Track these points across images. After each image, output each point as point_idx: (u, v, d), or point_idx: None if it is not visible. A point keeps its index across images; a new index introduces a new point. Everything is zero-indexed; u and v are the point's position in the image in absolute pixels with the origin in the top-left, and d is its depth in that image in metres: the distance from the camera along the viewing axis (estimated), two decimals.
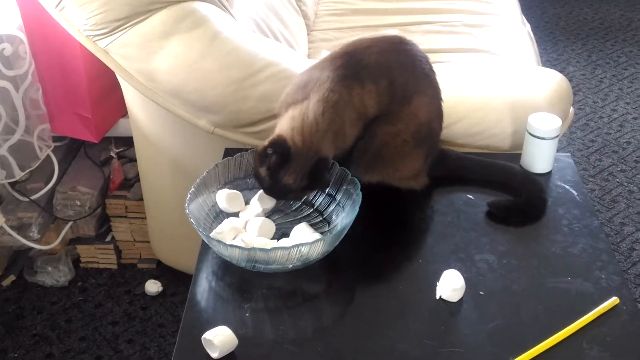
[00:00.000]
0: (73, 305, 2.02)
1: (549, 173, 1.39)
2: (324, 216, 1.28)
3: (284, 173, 1.17)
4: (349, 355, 1.03)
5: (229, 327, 1.02)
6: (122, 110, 1.94)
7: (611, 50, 3.44)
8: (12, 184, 1.94)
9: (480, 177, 1.37)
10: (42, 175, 1.98)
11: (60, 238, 2.05)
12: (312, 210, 1.29)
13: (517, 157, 1.41)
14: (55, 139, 1.99)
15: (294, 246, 1.09)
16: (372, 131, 1.26)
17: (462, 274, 1.11)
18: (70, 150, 2.12)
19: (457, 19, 2.31)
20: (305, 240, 1.14)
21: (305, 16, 2.36)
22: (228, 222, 1.21)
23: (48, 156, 1.94)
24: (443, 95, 1.33)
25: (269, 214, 1.26)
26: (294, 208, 1.30)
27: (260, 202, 1.25)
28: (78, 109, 1.87)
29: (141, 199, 2.00)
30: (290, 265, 1.13)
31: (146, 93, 1.54)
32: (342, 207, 1.25)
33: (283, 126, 1.20)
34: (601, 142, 2.76)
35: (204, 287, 1.15)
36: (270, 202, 1.26)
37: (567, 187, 1.36)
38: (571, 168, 1.41)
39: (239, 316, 1.08)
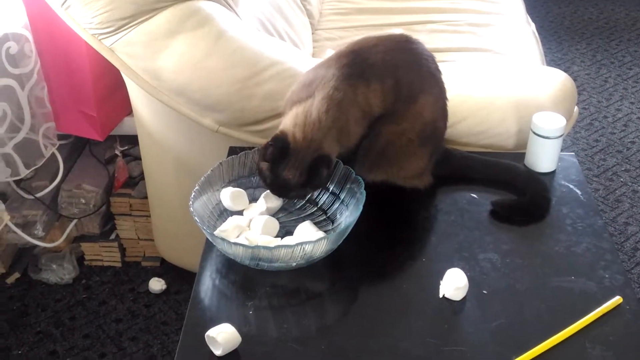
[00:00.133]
0: (77, 303, 2.02)
1: (553, 172, 1.39)
2: (328, 215, 1.28)
3: (284, 168, 1.18)
4: (352, 353, 1.03)
5: (233, 324, 1.02)
6: (127, 109, 1.94)
7: (616, 50, 3.44)
8: (17, 182, 1.94)
9: (484, 176, 1.37)
10: (47, 173, 1.99)
11: (65, 236, 2.05)
12: (316, 208, 1.29)
13: (521, 156, 1.41)
14: (60, 137, 2.00)
15: (297, 244, 1.10)
16: (377, 130, 1.26)
17: (466, 273, 1.12)
18: (75, 148, 2.13)
19: (462, 18, 2.30)
20: (309, 238, 1.14)
21: (310, 15, 2.36)
22: (232, 220, 1.22)
23: (53, 154, 1.95)
24: (447, 94, 1.33)
25: (274, 213, 1.27)
26: (298, 206, 1.30)
27: (266, 200, 1.25)
28: (83, 107, 1.87)
29: (146, 197, 2.00)
30: (294, 264, 1.14)
31: (151, 91, 1.54)
32: (346, 205, 1.25)
33: (286, 123, 1.21)
34: (605, 141, 2.76)
35: (207, 284, 1.15)
36: (277, 202, 1.26)
37: (571, 186, 1.36)
38: (575, 167, 1.41)
39: (242, 314, 1.09)
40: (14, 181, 1.92)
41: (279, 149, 1.17)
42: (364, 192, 1.19)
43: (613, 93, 3.08)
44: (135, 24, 1.49)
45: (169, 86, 1.51)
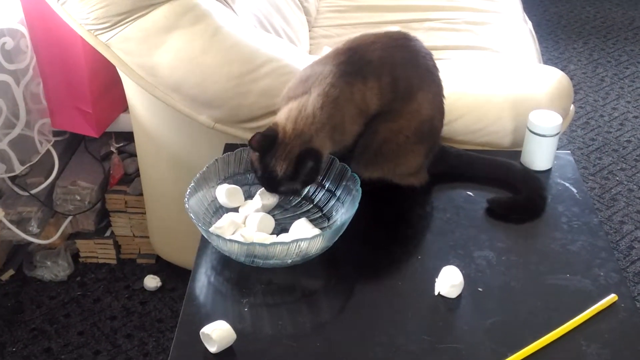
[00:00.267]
0: (72, 300, 2.02)
1: (549, 170, 1.39)
2: (324, 212, 1.28)
3: (271, 159, 1.18)
4: (347, 350, 1.03)
5: (228, 321, 1.02)
6: (122, 105, 1.94)
7: (612, 49, 3.44)
8: (12, 178, 1.94)
9: (480, 174, 1.37)
10: (42, 170, 1.98)
11: (60, 232, 2.05)
12: (311, 205, 1.29)
13: (517, 154, 1.41)
14: (56, 133, 1.99)
15: (293, 241, 1.09)
16: (374, 128, 1.26)
17: (461, 271, 1.11)
18: (71, 144, 2.12)
19: (459, 17, 2.30)
20: (304, 235, 1.14)
21: (307, 12, 2.36)
22: (227, 217, 1.21)
23: (48, 150, 1.94)
24: (444, 92, 1.33)
25: (270, 210, 1.26)
26: (294, 204, 1.30)
27: (262, 197, 1.25)
28: (79, 104, 1.87)
29: (141, 194, 2.00)
30: (290, 261, 1.13)
31: (147, 88, 1.54)
32: (342, 202, 1.25)
33: (280, 116, 1.21)
34: (601, 140, 2.76)
35: (202, 281, 1.15)
36: (272, 199, 1.26)
37: (567, 184, 1.36)
38: (571, 166, 1.41)
39: (237, 311, 1.08)
40: (9, 177, 1.92)
41: (265, 137, 1.17)
42: (360, 190, 1.18)
43: (609, 92, 3.08)
44: (132, 20, 1.49)
45: (165, 82, 1.51)
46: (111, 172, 2.07)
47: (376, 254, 1.20)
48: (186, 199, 1.17)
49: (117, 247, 2.13)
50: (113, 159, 2.08)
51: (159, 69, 1.50)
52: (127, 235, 2.11)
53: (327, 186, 1.28)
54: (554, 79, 1.57)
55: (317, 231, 1.18)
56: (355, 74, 1.22)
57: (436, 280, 1.12)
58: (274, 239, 1.18)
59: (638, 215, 2.36)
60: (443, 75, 1.32)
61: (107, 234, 2.12)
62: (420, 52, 1.29)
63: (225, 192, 1.24)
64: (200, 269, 1.17)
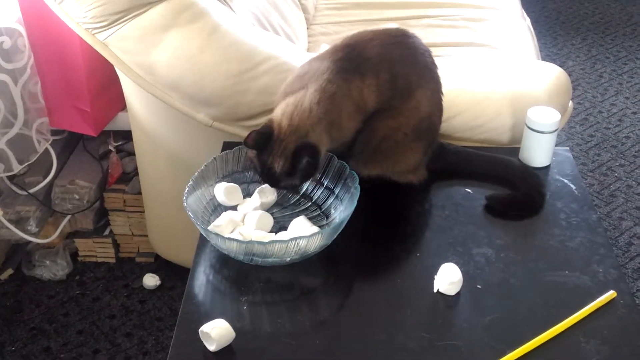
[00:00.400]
0: (71, 299, 2.02)
1: (548, 167, 1.39)
2: (322, 209, 1.27)
3: (269, 155, 1.17)
4: (346, 348, 1.03)
5: (226, 320, 1.02)
6: (120, 104, 1.93)
7: (611, 45, 3.44)
8: (11, 178, 1.93)
9: (478, 170, 1.37)
10: (40, 169, 1.98)
11: (58, 232, 2.05)
12: (310, 203, 1.29)
13: (516, 150, 1.41)
14: (54, 132, 1.99)
15: (291, 239, 1.09)
16: (373, 125, 1.26)
17: (460, 268, 1.11)
18: (69, 143, 2.12)
19: (458, 13, 2.30)
20: (303, 233, 1.14)
21: (305, 10, 2.36)
22: (226, 216, 1.21)
23: (46, 150, 1.94)
24: (443, 89, 1.33)
25: (268, 208, 1.26)
26: (293, 201, 1.30)
27: (260, 195, 1.25)
28: (77, 103, 1.86)
29: (139, 193, 2.00)
30: (288, 259, 1.13)
31: (145, 86, 1.54)
32: (341, 200, 1.24)
33: (276, 112, 1.21)
34: (600, 136, 2.76)
35: (201, 280, 1.15)
36: (271, 196, 1.26)
37: (566, 181, 1.36)
38: (570, 162, 1.41)
39: (236, 309, 1.08)
40: (7, 177, 1.91)
41: (261, 135, 1.17)
42: (359, 187, 1.18)
43: (608, 88, 3.08)
44: (129, 19, 1.48)
45: (163, 81, 1.51)
46: (109, 170, 2.07)
47: (375, 251, 1.20)
48: (185, 197, 1.17)
49: (116, 245, 2.13)
50: (111, 158, 2.07)
51: (156, 68, 1.50)
52: (126, 234, 2.11)
53: (325, 184, 1.28)
54: (553, 75, 1.57)
55: (315, 229, 1.18)
56: (352, 71, 1.22)
57: (435, 277, 1.12)
58: (273, 237, 1.18)
59: (637, 211, 2.36)
60: (441, 72, 1.32)
61: (106, 232, 2.11)
62: (418, 49, 1.29)
63: (223, 191, 1.24)
64: (199, 268, 1.17)
